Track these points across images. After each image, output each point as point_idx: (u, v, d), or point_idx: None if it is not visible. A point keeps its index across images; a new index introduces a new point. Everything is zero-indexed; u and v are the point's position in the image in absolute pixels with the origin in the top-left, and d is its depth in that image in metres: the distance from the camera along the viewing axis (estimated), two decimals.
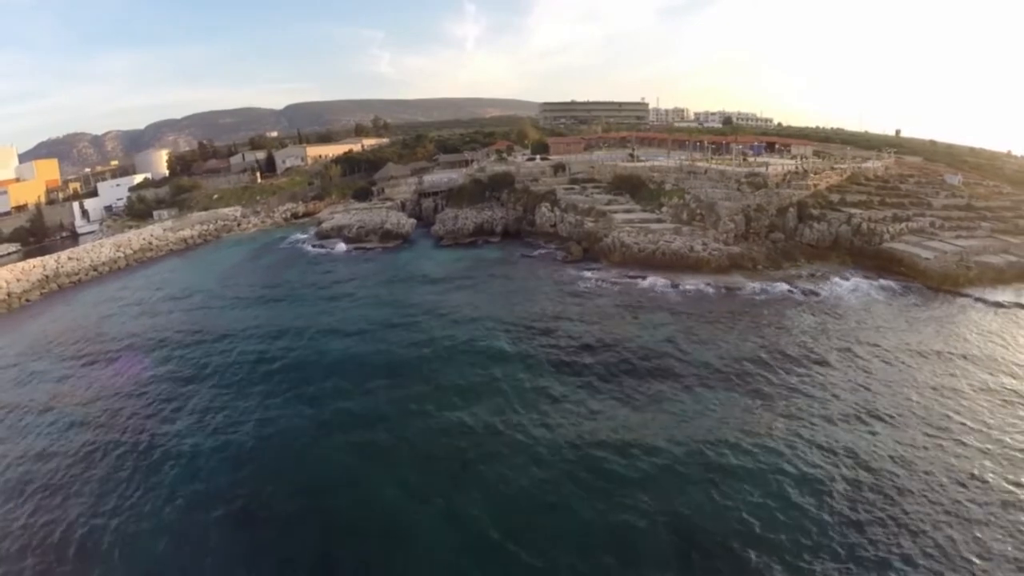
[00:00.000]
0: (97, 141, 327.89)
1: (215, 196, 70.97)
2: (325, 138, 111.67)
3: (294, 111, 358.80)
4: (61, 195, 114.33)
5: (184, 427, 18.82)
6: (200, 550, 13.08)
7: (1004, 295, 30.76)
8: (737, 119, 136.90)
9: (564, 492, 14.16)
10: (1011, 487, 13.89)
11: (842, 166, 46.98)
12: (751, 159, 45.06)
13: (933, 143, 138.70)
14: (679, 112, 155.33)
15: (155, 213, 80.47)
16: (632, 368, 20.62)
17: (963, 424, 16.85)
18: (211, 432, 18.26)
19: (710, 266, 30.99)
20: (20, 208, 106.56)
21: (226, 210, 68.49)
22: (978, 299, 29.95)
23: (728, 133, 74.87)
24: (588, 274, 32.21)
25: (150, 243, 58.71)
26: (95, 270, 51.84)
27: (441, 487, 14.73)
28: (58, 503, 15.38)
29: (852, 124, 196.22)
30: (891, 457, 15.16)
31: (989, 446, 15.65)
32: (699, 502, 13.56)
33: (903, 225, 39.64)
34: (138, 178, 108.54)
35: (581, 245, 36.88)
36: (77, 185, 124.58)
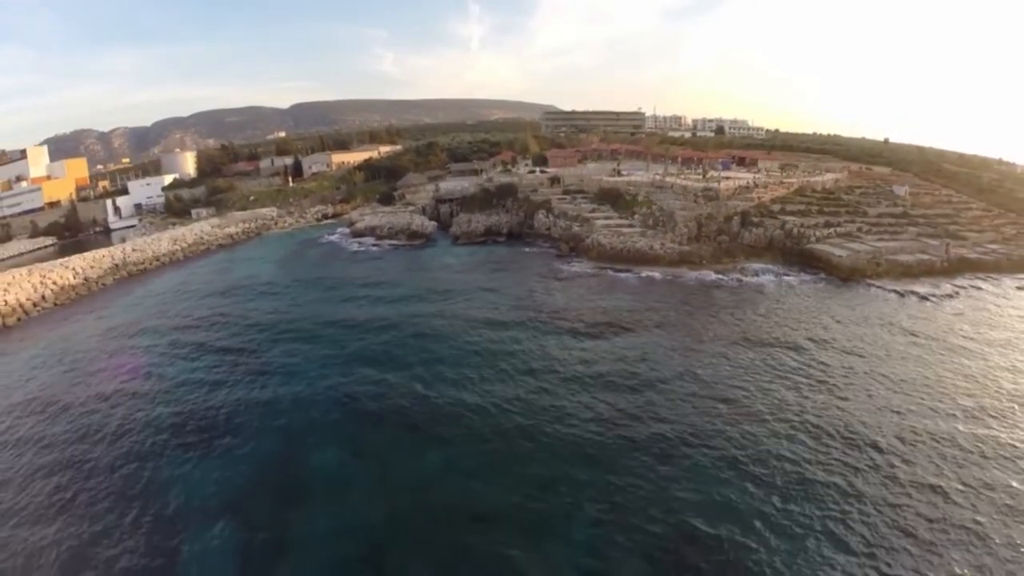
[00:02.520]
0: (104, 138, 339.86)
1: (251, 197, 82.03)
2: (341, 143, 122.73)
3: (300, 111, 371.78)
4: (92, 193, 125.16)
5: (312, 324, 31.72)
6: (323, 409, 23.77)
7: (898, 285, 40.75)
8: (730, 127, 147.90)
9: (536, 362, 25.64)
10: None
11: (790, 180, 57.74)
12: (711, 174, 55.97)
13: (921, 150, 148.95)
14: (676, 119, 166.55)
15: (193, 212, 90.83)
16: (591, 319, 31.89)
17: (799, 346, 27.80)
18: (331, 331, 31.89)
19: (664, 261, 41.92)
20: (53, 204, 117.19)
21: (263, 210, 79.54)
22: (875, 287, 40.06)
23: (702, 147, 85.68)
24: (571, 265, 43.45)
25: (201, 238, 69.29)
26: (157, 260, 61.95)
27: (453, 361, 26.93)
28: (235, 371, 26.40)
29: (847, 130, 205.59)
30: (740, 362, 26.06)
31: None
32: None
33: (831, 230, 50.11)
34: (168, 178, 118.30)
35: (569, 244, 47.88)
36: (106, 183, 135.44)
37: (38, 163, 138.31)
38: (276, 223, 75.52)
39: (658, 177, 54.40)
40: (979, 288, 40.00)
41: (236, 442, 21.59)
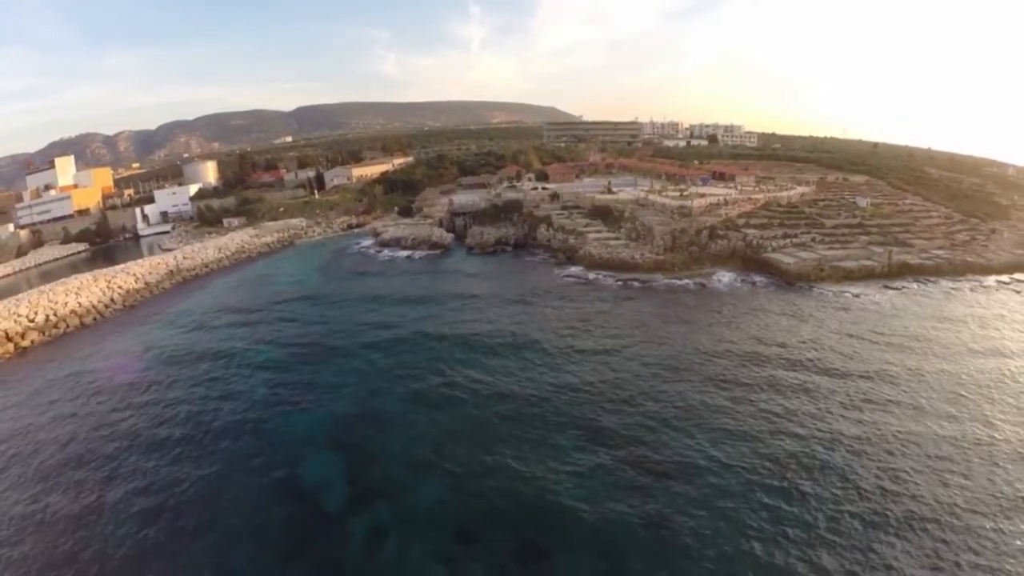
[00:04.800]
0: (110, 141, 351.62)
1: (281, 209, 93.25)
2: (353, 153, 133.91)
3: (304, 113, 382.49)
4: (120, 201, 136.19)
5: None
6: (371, 368, 34.60)
7: (836, 287, 50.86)
8: (723, 134, 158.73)
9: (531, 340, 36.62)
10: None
11: (757, 196, 68.57)
12: (689, 191, 66.96)
13: (911, 152, 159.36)
14: (673, 125, 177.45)
15: (225, 221, 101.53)
16: (577, 311, 43.15)
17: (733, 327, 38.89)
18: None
19: (642, 268, 52.92)
20: (82, 212, 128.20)
21: (293, 220, 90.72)
22: (816, 288, 50.05)
23: (688, 162, 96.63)
24: (567, 270, 54.79)
25: (242, 247, 79.98)
26: (206, 266, 72.63)
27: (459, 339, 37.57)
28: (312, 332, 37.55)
29: (841, 133, 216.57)
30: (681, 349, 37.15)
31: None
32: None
33: (788, 240, 60.81)
34: (192, 187, 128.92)
35: (565, 254, 59.13)
36: (131, 191, 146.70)
37: (66, 172, 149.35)
38: (305, 232, 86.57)
39: (642, 195, 65.50)
40: (910, 288, 49.65)
41: (328, 390, 32.10)
